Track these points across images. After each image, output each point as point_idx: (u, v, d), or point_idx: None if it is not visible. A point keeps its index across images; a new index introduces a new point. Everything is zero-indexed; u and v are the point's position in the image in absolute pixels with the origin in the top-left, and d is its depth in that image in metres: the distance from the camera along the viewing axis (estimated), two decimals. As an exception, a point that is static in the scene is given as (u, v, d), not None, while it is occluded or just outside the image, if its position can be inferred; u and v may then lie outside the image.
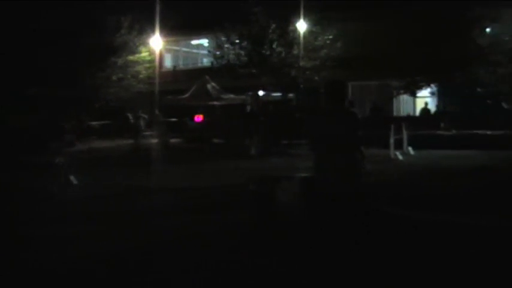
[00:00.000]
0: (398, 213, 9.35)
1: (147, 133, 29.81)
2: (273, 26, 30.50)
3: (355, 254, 6.30)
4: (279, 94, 32.25)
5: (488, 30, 29.63)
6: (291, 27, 30.80)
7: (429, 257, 6.93)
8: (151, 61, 34.89)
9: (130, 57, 34.90)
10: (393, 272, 6.40)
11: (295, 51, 30.70)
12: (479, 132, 23.70)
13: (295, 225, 8.03)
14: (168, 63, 44.93)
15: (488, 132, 23.27)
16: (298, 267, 6.68)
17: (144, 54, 35.35)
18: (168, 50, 43.40)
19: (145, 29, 33.47)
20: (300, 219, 7.99)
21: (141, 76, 35.10)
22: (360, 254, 6.35)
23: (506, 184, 13.10)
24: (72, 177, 14.03)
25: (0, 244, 8.01)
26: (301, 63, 30.38)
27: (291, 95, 31.84)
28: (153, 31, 31.73)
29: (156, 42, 31.80)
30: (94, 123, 37.03)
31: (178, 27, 35.85)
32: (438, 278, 6.22)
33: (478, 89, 28.61)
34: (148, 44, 34.13)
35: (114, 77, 34.26)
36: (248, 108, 27.60)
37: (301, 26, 30.26)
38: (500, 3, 27.18)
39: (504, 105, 27.42)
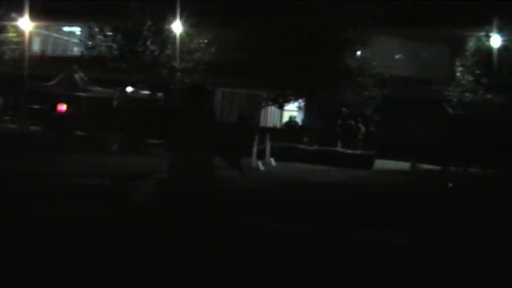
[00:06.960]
0: (249, 222, 9.36)
1: (5, 118, 28.52)
2: (149, 23, 30.02)
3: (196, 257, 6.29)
4: (148, 92, 31.69)
5: (358, 53, 30.78)
6: (166, 27, 30.45)
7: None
8: (19, 43, 33.32)
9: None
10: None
11: (168, 51, 30.38)
12: (340, 150, 24.72)
13: (147, 223, 7.88)
14: (36, 47, 43.01)
15: (349, 151, 24.26)
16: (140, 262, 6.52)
17: (12, 34, 33.62)
18: (38, 34, 41.52)
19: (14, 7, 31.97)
20: (153, 217, 7.88)
21: (5, 57, 33.35)
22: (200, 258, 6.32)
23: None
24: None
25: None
26: (174, 64, 30.11)
27: (160, 94, 31.38)
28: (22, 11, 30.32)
29: (26, 23, 30.34)
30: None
31: (49, 12, 34.36)
32: None
33: (344, 109, 29.57)
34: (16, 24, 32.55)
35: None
36: (115, 103, 26.97)
37: (177, 26, 30.00)
38: (371, 29, 28.27)
39: (362, 127, 28.38)
